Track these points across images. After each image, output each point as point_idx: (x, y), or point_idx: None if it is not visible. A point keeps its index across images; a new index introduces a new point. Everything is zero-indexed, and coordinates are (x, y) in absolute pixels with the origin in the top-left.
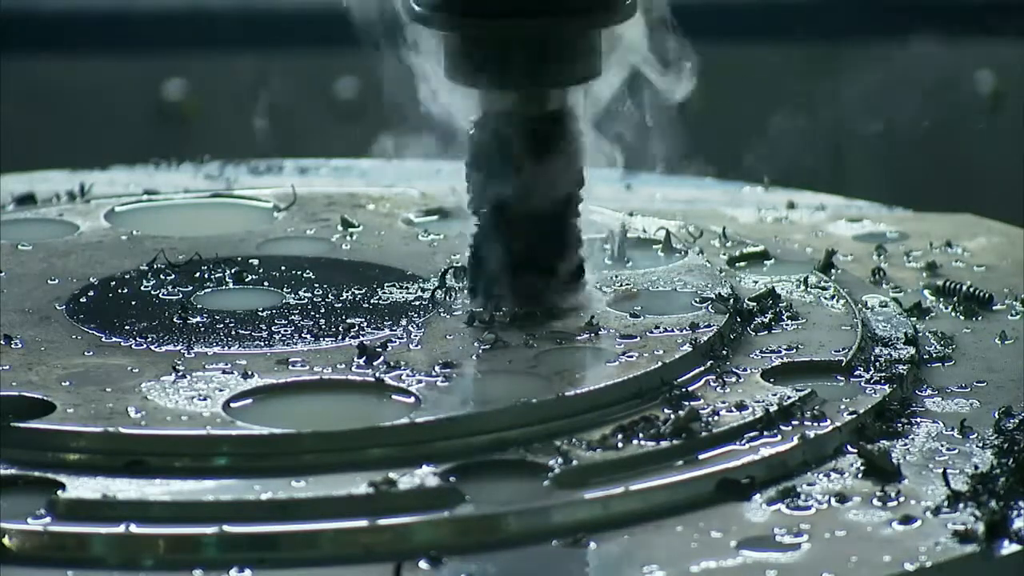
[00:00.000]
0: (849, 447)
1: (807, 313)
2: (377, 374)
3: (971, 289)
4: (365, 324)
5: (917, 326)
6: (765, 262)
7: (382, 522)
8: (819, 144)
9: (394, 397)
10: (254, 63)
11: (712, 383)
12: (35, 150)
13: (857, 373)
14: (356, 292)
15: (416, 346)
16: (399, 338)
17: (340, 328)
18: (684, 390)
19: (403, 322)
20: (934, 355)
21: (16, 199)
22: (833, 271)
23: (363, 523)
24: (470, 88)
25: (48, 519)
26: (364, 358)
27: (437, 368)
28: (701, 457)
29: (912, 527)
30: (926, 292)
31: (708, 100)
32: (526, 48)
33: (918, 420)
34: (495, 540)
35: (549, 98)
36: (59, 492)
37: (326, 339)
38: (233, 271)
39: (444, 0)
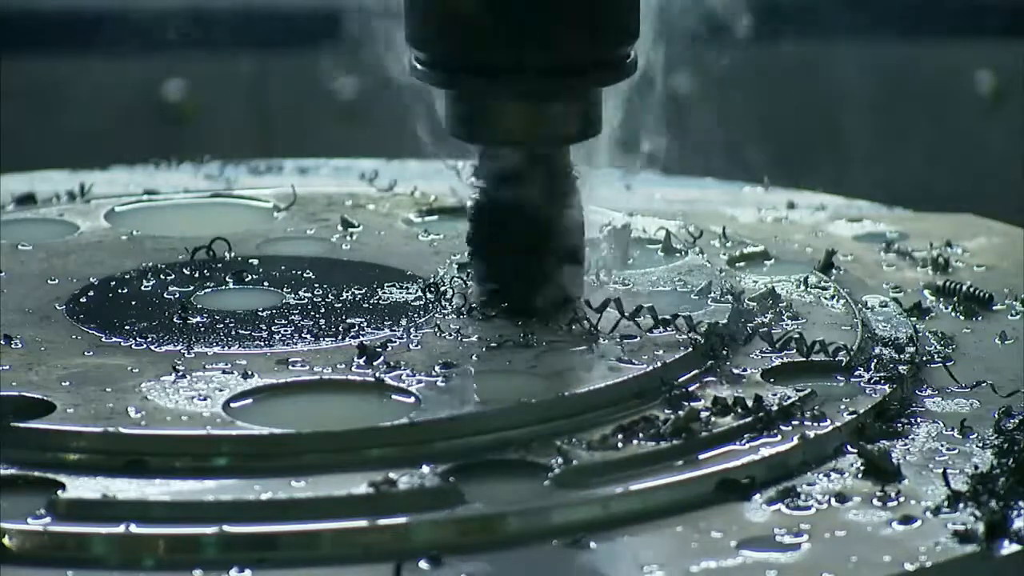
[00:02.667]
0: (849, 447)
1: (807, 313)
2: (377, 374)
3: (971, 289)
4: (365, 324)
5: (917, 326)
6: (765, 262)
7: (382, 522)
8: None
9: (394, 397)
10: (254, 63)
11: (712, 383)
12: (35, 150)
13: (857, 373)
14: (356, 292)
15: (416, 346)
16: (399, 338)
17: (340, 328)
18: (684, 390)
19: (403, 322)
20: (934, 355)
21: (16, 199)
22: (833, 271)
23: (363, 523)
24: (471, 144)
25: (48, 519)
26: (364, 358)
27: (437, 368)
28: (701, 457)
29: (912, 527)
30: (926, 292)
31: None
32: (526, 106)
33: (918, 420)
34: (495, 540)
35: (549, 154)
36: (59, 492)
37: (326, 339)
38: (233, 271)
39: (443, 58)
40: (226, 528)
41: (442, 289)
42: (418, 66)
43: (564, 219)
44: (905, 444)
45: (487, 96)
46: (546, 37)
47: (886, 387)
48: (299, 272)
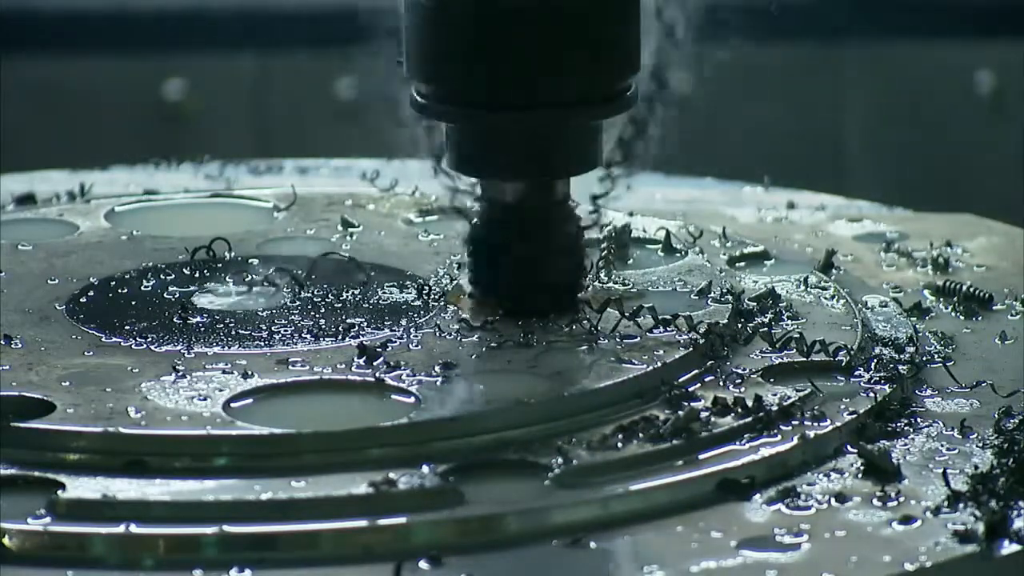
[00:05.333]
0: (849, 447)
1: (807, 313)
2: (377, 374)
3: (971, 289)
4: (365, 324)
5: (917, 326)
6: (765, 262)
7: (382, 522)
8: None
9: (394, 397)
10: (254, 63)
11: (712, 383)
12: (35, 150)
13: (857, 373)
14: (356, 292)
15: (416, 346)
16: (399, 338)
17: (340, 328)
18: (684, 390)
19: (403, 322)
20: (934, 355)
21: (16, 199)
22: (833, 271)
23: (363, 523)
24: (472, 178)
25: (48, 519)
26: (364, 358)
27: (437, 368)
28: (701, 457)
29: (912, 527)
30: (926, 292)
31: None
32: (527, 139)
33: (918, 420)
34: (495, 540)
35: (551, 188)
36: (59, 492)
37: (326, 339)
38: (233, 271)
39: (443, 92)
40: (226, 528)
41: (432, 289)
42: (419, 99)
43: (563, 248)
44: (905, 444)
45: (488, 131)
46: (548, 72)
47: (886, 387)
48: (299, 272)
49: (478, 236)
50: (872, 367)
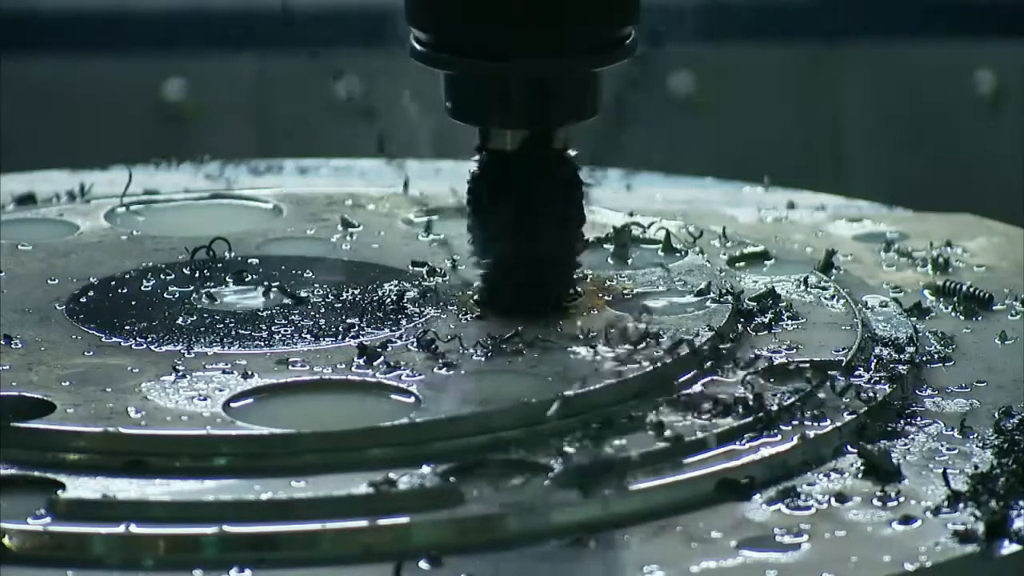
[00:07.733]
0: (849, 447)
1: (807, 313)
2: (377, 374)
3: (971, 289)
4: (365, 324)
5: (917, 326)
6: (765, 262)
7: (382, 522)
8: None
9: (394, 397)
10: (254, 63)
11: (712, 383)
12: (35, 150)
13: (857, 373)
14: (356, 292)
15: (416, 346)
16: (399, 338)
17: (340, 328)
18: (684, 390)
19: (403, 322)
20: (934, 355)
21: (16, 199)
22: (833, 271)
23: (363, 523)
24: (472, 126)
25: (48, 519)
26: (364, 358)
27: (437, 368)
28: (701, 457)
29: (912, 527)
30: (926, 292)
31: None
32: (527, 88)
33: (918, 420)
34: (495, 540)
35: (551, 137)
36: (59, 492)
37: (326, 339)
38: (233, 271)
39: (443, 40)
40: (226, 528)
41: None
42: (418, 47)
43: (562, 203)
44: (905, 444)
45: (488, 77)
46: (548, 17)
47: (886, 387)
48: (299, 272)
49: (477, 188)
50: (872, 367)
